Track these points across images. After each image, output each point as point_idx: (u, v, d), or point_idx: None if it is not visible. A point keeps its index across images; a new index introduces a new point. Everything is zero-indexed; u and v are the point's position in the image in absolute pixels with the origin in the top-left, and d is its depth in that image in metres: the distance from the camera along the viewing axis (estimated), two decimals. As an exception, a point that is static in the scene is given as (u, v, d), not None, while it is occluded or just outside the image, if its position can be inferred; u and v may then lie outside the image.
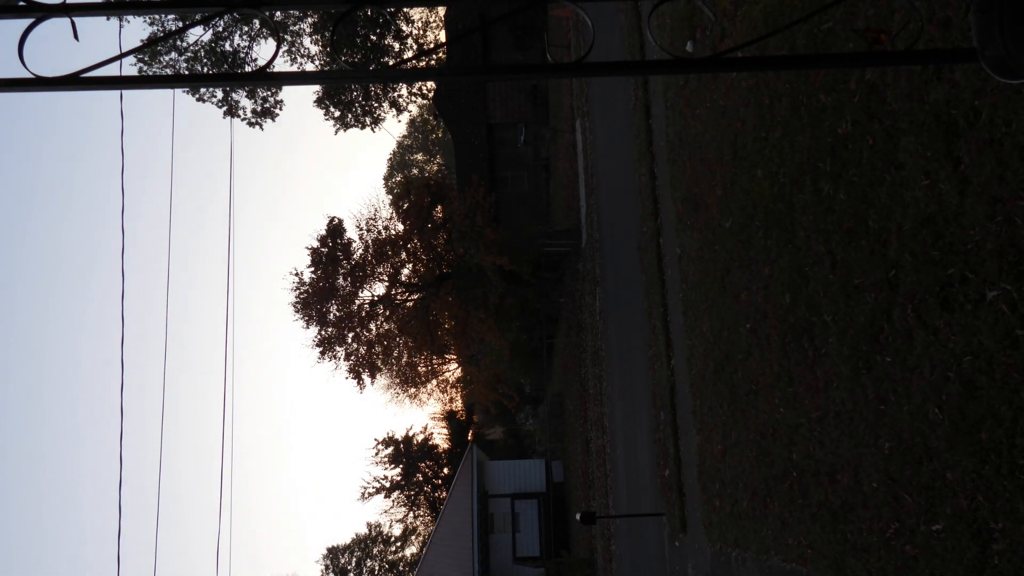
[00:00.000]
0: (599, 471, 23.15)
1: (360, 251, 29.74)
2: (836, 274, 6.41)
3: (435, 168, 74.12)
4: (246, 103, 33.34)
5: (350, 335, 29.99)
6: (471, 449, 36.45)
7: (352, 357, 30.10)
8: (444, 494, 53.83)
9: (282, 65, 41.66)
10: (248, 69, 29.78)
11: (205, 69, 30.24)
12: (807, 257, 7.02)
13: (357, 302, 29.88)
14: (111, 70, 2.27)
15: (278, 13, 25.80)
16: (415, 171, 75.27)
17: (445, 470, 56.08)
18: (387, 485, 57.10)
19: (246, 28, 31.20)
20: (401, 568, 66.15)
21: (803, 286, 7.12)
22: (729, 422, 9.58)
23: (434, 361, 37.60)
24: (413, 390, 33.25)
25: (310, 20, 34.08)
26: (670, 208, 12.93)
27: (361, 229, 30.10)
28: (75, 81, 2.23)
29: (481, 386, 34.12)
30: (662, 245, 13.84)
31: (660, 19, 13.18)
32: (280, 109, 33.52)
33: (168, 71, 29.57)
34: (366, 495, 57.64)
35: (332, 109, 38.89)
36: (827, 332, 6.60)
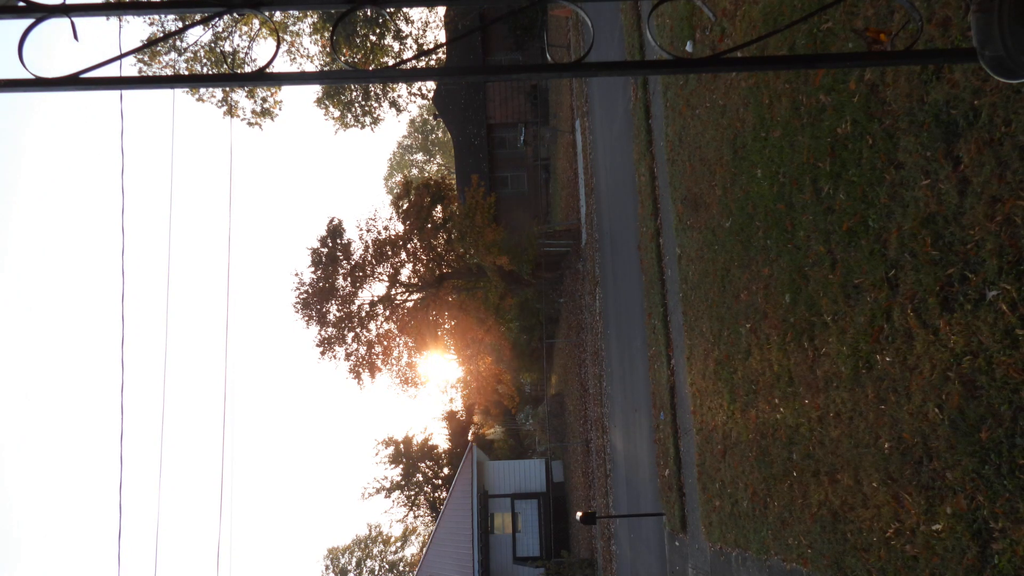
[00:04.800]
0: (599, 471, 23.15)
1: (360, 251, 29.73)
2: (836, 274, 6.41)
3: (435, 168, 74.15)
4: (245, 103, 33.37)
5: (350, 335, 29.97)
6: (471, 449, 36.43)
7: (352, 357, 30.10)
8: (444, 494, 53.84)
9: (282, 65, 41.68)
10: (248, 69, 29.79)
11: (205, 69, 30.25)
12: (807, 257, 7.02)
13: (357, 302, 29.87)
14: (111, 70, 2.27)
15: (278, 13, 25.80)
16: (415, 171, 75.32)
17: (445, 470, 56.11)
18: (387, 485, 57.15)
19: (246, 28, 31.21)
20: (401, 568, 66.17)
21: (803, 286, 7.12)
22: (729, 422, 9.58)
23: (434, 361, 37.56)
24: (413, 390, 33.18)
25: (310, 20, 34.10)
26: (670, 208, 12.93)
27: (361, 229, 30.10)
28: (75, 81, 2.23)
29: (481, 386, 34.09)
30: (662, 245, 13.84)
31: (660, 19, 13.18)
32: (279, 109, 33.55)
33: (168, 71, 29.58)
34: (366, 495, 57.71)
35: (332, 109, 38.94)
36: (827, 332, 6.60)
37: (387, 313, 30.18)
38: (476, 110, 38.59)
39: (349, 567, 65.85)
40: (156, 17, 28.56)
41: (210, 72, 29.32)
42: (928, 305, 5.10)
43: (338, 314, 29.74)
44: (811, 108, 6.94)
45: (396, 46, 37.75)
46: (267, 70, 2.38)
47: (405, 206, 29.50)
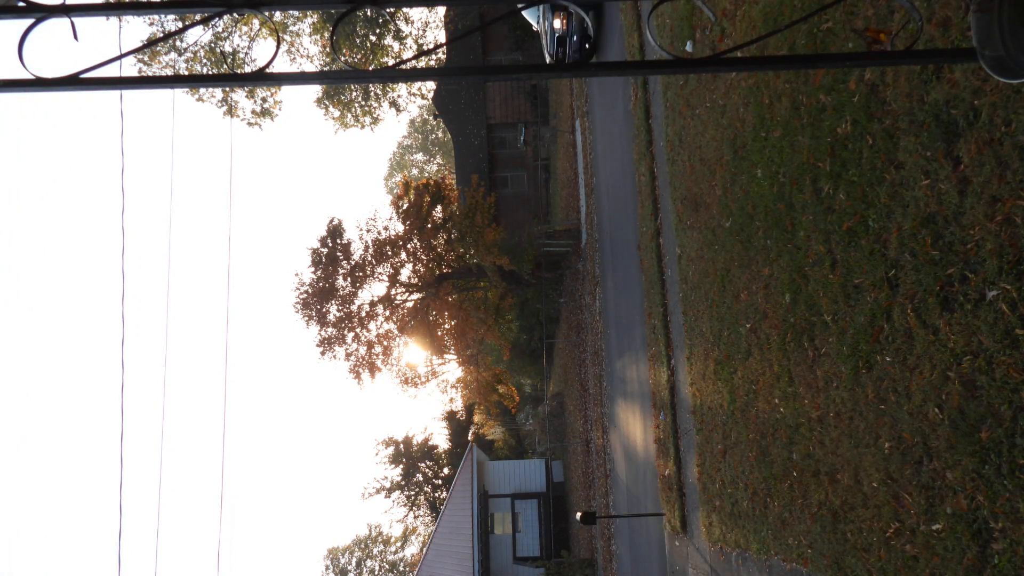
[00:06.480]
0: (599, 471, 23.16)
1: (360, 251, 29.75)
2: (836, 274, 6.41)
3: (435, 168, 74.20)
4: (245, 103, 33.38)
5: (350, 335, 29.98)
6: (471, 449, 36.44)
7: (352, 357, 30.11)
8: (444, 494, 53.86)
9: (282, 65, 41.70)
10: (248, 69, 29.79)
11: (205, 69, 30.24)
12: (807, 257, 7.02)
13: (357, 302, 29.88)
14: (111, 70, 2.27)
15: (278, 13, 25.80)
16: (415, 171, 75.39)
17: (445, 470, 56.13)
18: (387, 485, 57.18)
19: (246, 28, 31.22)
20: (401, 568, 66.20)
21: (803, 286, 7.12)
22: (729, 422, 9.58)
23: (434, 361, 37.60)
24: (413, 390, 33.19)
25: (310, 20, 34.10)
26: (670, 208, 12.93)
27: (361, 229, 30.11)
28: (75, 81, 2.23)
29: (481, 386, 34.11)
30: (662, 245, 13.84)
31: (660, 19, 13.18)
32: (279, 109, 33.58)
33: (168, 71, 29.58)
34: (366, 495, 57.75)
35: (332, 109, 38.95)
36: (827, 332, 6.60)
37: (387, 313, 30.18)
38: (476, 110, 38.60)
39: (349, 567, 65.88)
40: (156, 17, 28.57)
41: (210, 72, 29.33)
42: (928, 305, 5.10)
43: (338, 314, 29.75)
44: (811, 108, 6.94)
45: (396, 46, 37.76)
46: (267, 70, 2.38)
47: (405, 206, 29.50)
